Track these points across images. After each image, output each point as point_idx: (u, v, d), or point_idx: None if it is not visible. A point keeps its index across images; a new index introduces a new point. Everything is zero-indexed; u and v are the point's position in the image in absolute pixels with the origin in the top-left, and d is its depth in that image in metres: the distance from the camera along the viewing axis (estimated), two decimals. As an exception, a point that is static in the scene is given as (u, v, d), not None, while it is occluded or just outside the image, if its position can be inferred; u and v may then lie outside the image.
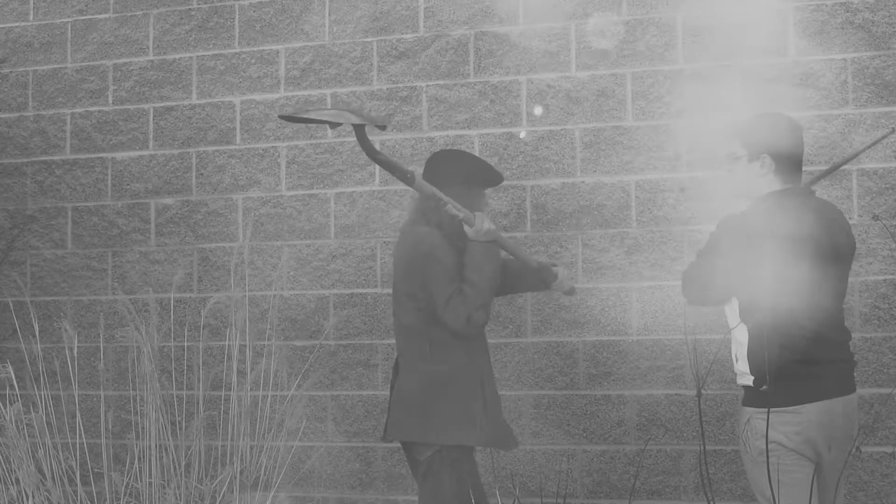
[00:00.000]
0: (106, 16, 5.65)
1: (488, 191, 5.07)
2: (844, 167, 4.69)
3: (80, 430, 5.53)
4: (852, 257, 3.48)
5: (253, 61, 5.41)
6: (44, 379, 5.60)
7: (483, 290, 3.65)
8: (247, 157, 5.39)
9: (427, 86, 5.18)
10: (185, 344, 5.40)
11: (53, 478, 5.46)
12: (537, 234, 5.01)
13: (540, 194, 5.02)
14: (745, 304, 3.39)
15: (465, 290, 3.65)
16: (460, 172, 3.77)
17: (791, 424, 3.32)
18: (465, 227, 3.71)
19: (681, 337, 4.82)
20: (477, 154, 5.07)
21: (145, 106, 5.54)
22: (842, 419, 3.37)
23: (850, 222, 4.66)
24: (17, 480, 5.36)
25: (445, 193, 3.77)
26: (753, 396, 3.36)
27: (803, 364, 3.31)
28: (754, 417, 3.35)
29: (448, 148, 3.91)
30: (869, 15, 4.68)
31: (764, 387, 3.34)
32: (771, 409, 3.32)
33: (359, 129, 3.47)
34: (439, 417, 3.67)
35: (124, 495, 5.25)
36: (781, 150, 3.37)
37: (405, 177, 3.58)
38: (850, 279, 4.65)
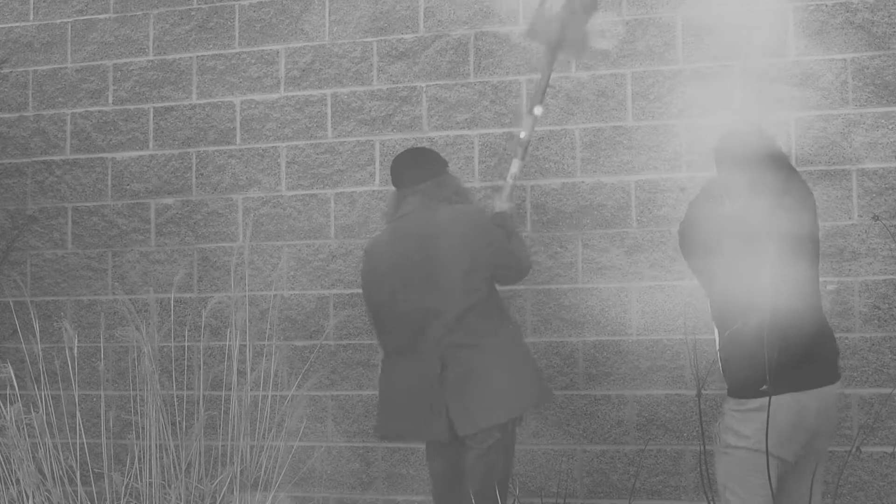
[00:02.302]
0: (106, 16, 5.65)
1: (487, 191, 5.07)
2: (844, 167, 4.69)
3: (80, 430, 5.53)
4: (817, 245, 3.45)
5: (253, 61, 5.41)
6: (44, 379, 5.60)
7: (520, 236, 4.07)
8: (247, 157, 5.39)
9: (427, 86, 5.18)
10: (186, 344, 5.40)
11: (53, 478, 5.46)
12: (537, 234, 5.01)
13: (540, 194, 5.02)
14: (716, 304, 3.39)
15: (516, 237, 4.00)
16: (442, 163, 4.02)
17: (757, 422, 3.31)
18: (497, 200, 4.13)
19: (681, 337, 4.82)
20: (476, 154, 5.08)
21: (145, 106, 5.55)
22: (815, 416, 3.34)
23: (850, 222, 4.67)
24: (18, 480, 5.36)
25: (446, 182, 4.03)
26: (729, 390, 3.37)
27: (751, 357, 3.31)
28: (728, 414, 3.35)
29: (408, 150, 3.95)
30: (869, 15, 4.69)
31: (764, 387, 3.33)
32: (738, 403, 3.32)
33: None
34: (528, 383, 3.81)
35: (124, 495, 5.25)
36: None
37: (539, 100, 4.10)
38: (850, 279, 4.65)
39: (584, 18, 4.03)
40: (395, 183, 3.96)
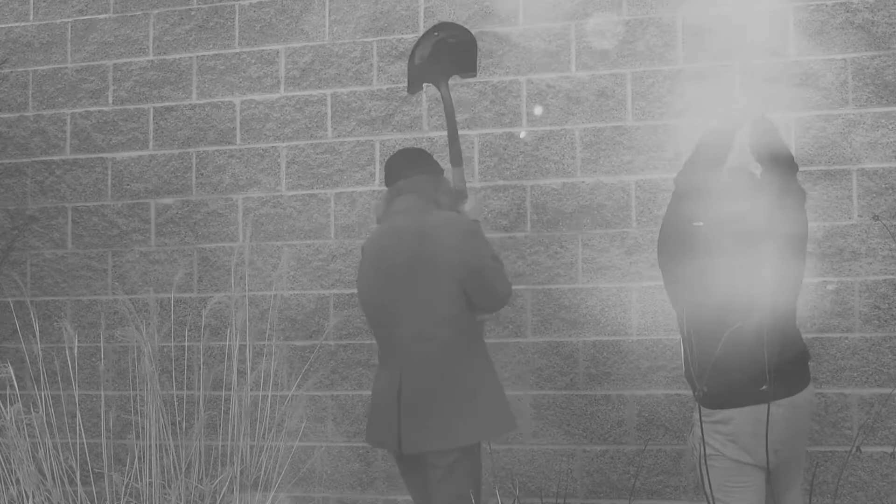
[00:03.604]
0: (106, 16, 5.65)
1: (487, 191, 5.07)
2: (844, 167, 4.69)
3: (80, 430, 5.53)
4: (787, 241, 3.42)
5: (253, 61, 5.41)
6: (44, 379, 5.60)
7: (501, 261, 3.78)
8: (247, 157, 5.39)
9: (427, 86, 5.18)
10: (186, 344, 5.40)
11: (53, 478, 5.46)
12: (537, 234, 5.01)
13: (540, 194, 5.02)
14: (687, 312, 3.39)
15: (497, 261, 3.76)
16: (435, 166, 3.89)
17: (723, 434, 3.31)
18: (464, 206, 3.88)
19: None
20: (477, 154, 5.08)
21: (145, 106, 5.55)
22: (783, 423, 3.34)
23: (850, 222, 4.67)
24: (18, 480, 5.36)
25: (442, 189, 3.87)
26: (699, 399, 3.35)
27: (729, 371, 3.30)
28: (697, 424, 3.35)
29: (402, 150, 3.89)
30: (869, 15, 4.68)
31: (764, 386, 3.33)
32: (704, 415, 3.32)
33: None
34: (487, 411, 3.64)
35: (124, 495, 5.25)
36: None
37: (459, 156, 3.85)
38: (850, 279, 4.65)
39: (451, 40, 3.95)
40: (387, 181, 3.84)
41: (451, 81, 3.89)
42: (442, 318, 3.63)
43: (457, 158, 3.92)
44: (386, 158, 5.19)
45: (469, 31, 3.98)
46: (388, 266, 3.71)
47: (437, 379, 3.63)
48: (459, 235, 3.65)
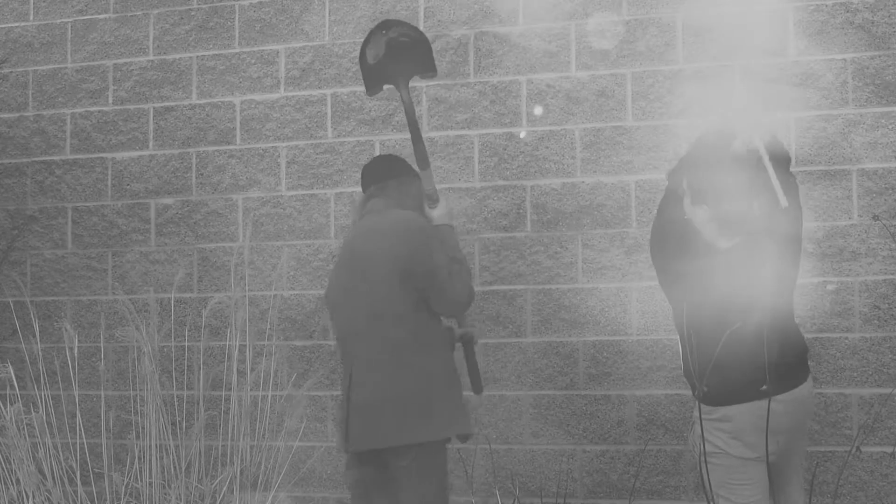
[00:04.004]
0: (106, 16, 5.65)
1: (487, 191, 5.07)
2: (844, 167, 4.69)
3: (80, 430, 5.53)
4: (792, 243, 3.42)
5: (253, 61, 5.41)
6: (44, 379, 5.60)
7: (465, 265, 3.72)
8: (247, 157, 5.39)
9: (427, 86, 5.18)
10: (186, 344, 5.40)
11: (54, 478, 5.46)
12: (537, 234, 5.01)
13: (540, 194, 5.02)
14: (686, 310, 3.40)
15: (455, 265, 3.69)
16: (408, 170, 3.88)
17: (725, 431, 3.32)
18: (428, 210, 3.83)
19: (681, 337, 4.82)
20: (476, 154, 5.08)
21: (145, 106, 5.55)
22: (784, 416, 3.35)
23: (850, 222, 4.67)
24: (18, 480, 5.36)
25: (410, 192, 3.86)
26: (699, 397, 3.36)
27: (730, 369, 3.31)
28: (697, 422, 3.36)
29: (378, 156, 3.90)
30: (869, 15, 4.69)
31: (764, 386, 3.34)
32: (704, 413, 3.32)
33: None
34: (444, 410, 3.61)
35: (124, 495, 5.25)
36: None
37: (425, 159, 3.76)
38: (850, 279, 4.65)
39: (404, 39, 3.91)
40: (363, 187, 3.89)
41: (411, 83, 3.90)
42: (391, 316, 3.62)
43: (423, 161, 3.91)
44: (386, 158, 5.20)
45: (419, 30, 3.96)
46: (346, 265, 3.75)
47: (385, 377, 3.60)
48: (408, 234, 3.63)
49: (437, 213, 3.85)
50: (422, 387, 3.60)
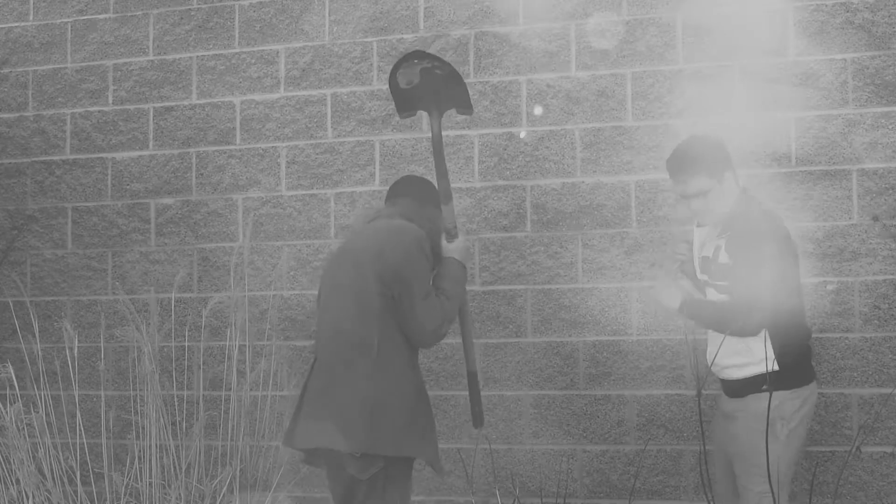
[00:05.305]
0: (106, 16, 5.65)
1: (487, 191, 5.07)
2: (844, 167, 4.69)
3: (80, 430, 5.53)
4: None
5: (253, 61, 5.41)
6: (44, 379, 5.60)
7: (455, 304, 3.60)
8: (247, 157, 5.39)
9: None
10: (186, 344, 5.40)
11: (54, 478, 5.46)
12: (537, 234, 5.01)
13: (540, 194, 5.02)
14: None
15: (441, 296, 3.58)
16: (433, 196, 3.78)
17: (811, 403, 3.69)
18: (445, 242, 3.70)
19: (681, 337, 4.82)
20: (476, 154, 5.08)
21: (145, 106, 5.55)
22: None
23: (850, 222, 4.67)
24: (18, 480, 5.36)
25: (424, 214, 3.76)
26: (779, 381, 3.65)
27: (802, 355, 3.70)
28: (785, 402, 3.64)
29: (409, 174, 3.83)
30: (869, 15, 4.69)
31: (764, 387, 3.51)
32: (793, 394, 3.66)
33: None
34: (394, 426, 3.47)
35: (124, 495, 5.25)
36: (729, 159, 3.75)
37: (448, 195, 3.69)
38: (850, 279, 4.66)
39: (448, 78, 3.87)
40: (386, 197, 3.84)
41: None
42: (360, 314, 3.51)
43: (446, 196, 3.80)
44: (386, 158, 5.20)
45: (452, 65, 3.91)
46: (334, 261, 3.67)
47: (341, 376, 3.51)
48: (398, 236, 3.53)
49: (453, 247, 3.71)
50: (380, 397, 3.47)
